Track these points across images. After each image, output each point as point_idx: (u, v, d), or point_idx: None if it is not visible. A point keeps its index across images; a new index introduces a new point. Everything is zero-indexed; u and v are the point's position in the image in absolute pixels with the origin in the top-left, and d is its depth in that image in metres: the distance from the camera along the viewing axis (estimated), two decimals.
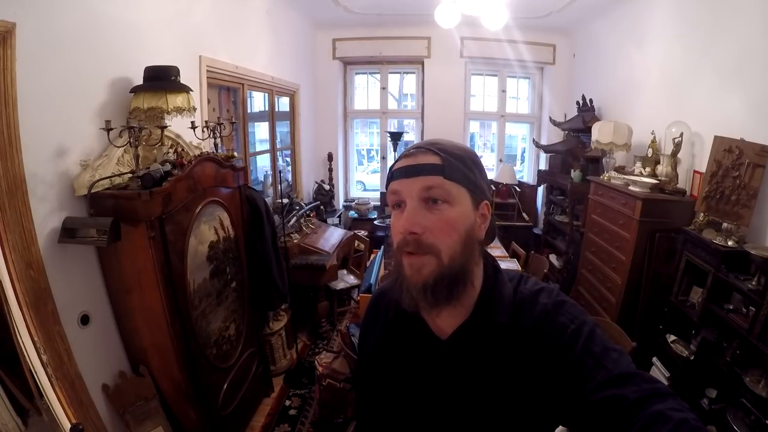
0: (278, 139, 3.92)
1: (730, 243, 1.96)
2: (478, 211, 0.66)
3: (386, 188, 0.68)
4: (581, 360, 0.59)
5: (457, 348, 0.68)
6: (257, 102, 3.62)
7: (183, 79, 1.83)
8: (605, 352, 0.60)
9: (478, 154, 0.75)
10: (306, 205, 3.76)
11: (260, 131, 3.78)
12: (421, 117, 4.97)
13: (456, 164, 0.64)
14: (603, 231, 2.91)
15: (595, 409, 0.55)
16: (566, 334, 0.62)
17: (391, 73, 5.10)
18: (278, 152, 3.91)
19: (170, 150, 1.91)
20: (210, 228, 1.95)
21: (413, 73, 5.06)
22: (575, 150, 3.79)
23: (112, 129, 1.50)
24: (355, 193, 5.58)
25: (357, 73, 5.20)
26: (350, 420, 2.18)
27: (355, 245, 3.86)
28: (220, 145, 2.22)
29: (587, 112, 3.81)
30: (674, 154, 2.53)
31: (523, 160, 5.49)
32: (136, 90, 1.72)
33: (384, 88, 5.11)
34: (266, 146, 3.75)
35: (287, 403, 2.51)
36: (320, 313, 3.27)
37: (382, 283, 0.89)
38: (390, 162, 5.03)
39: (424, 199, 0.63)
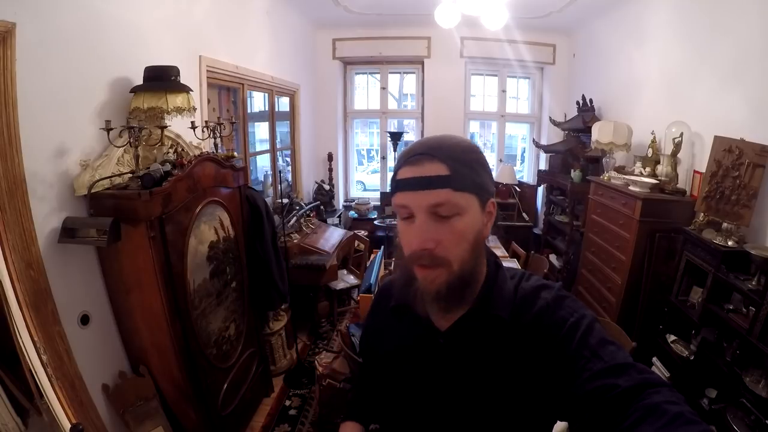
0: (278, 139, 3.92)
1: (730, 243, 1.96)
2: (485, 211, 0.66)
3: (391, 194, 0.67)
4: (578, 351, 0.60)
5: (455, 339, 0.69)
6: (257, 102, 3.62)
7: (183, 79, 1.83)
8: (602, 344, 0.60)
9: None
10: (306, 205, 3.75)
11: (260, 131, 3.77)
12: (421, 117, 4.97)
13: (463, 171, 0.62)
14: (603, 231, 2.91)
15: (589, 398, 0.56)
16: (565, 326, 0.62)
17: (391, 73, 5.10)
18: (278, 152, 3.91)
19: (170, 150, 1.91)
20: (210, 228, 1.95)
21: (413, 73, 5.06)
22: (575, 150, 3.78)
23: (112, 129, 1.50)
24: (355, 193, 5.58)
25: (357, 73, 5.20)
26: None
27: (355, 245, 3.86)
28: (220, 145, 2.21)
29: (587, 112, 3.81)
30: (674, 154, 2.52)
31: (523, 160, 5.49)
32: (136, 90, 1.72)
33: (384, 88, 5.11)
34: (266, 146, 3.75)
35: (287, 403, 2.51)
36: (320, 313, 3.27)
37: (389, 276, 0.93)
38: (390, 162, 5.04)
39: (434, 213, 0.62)
